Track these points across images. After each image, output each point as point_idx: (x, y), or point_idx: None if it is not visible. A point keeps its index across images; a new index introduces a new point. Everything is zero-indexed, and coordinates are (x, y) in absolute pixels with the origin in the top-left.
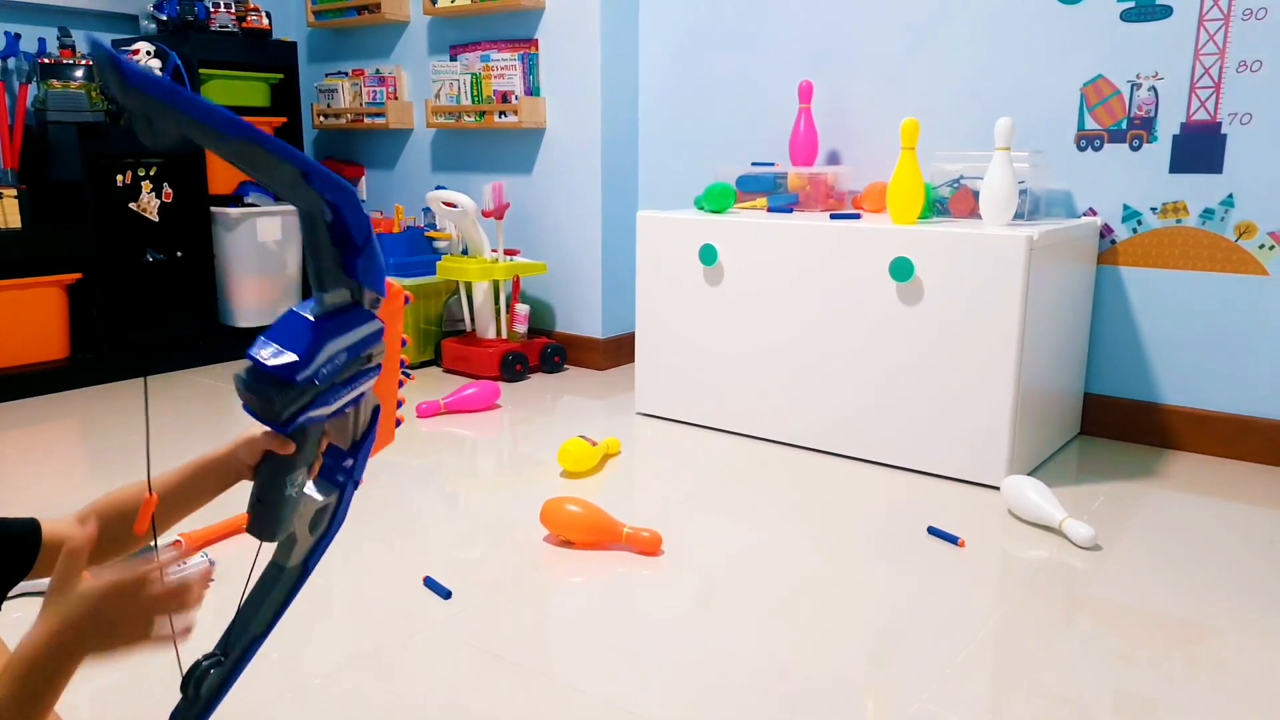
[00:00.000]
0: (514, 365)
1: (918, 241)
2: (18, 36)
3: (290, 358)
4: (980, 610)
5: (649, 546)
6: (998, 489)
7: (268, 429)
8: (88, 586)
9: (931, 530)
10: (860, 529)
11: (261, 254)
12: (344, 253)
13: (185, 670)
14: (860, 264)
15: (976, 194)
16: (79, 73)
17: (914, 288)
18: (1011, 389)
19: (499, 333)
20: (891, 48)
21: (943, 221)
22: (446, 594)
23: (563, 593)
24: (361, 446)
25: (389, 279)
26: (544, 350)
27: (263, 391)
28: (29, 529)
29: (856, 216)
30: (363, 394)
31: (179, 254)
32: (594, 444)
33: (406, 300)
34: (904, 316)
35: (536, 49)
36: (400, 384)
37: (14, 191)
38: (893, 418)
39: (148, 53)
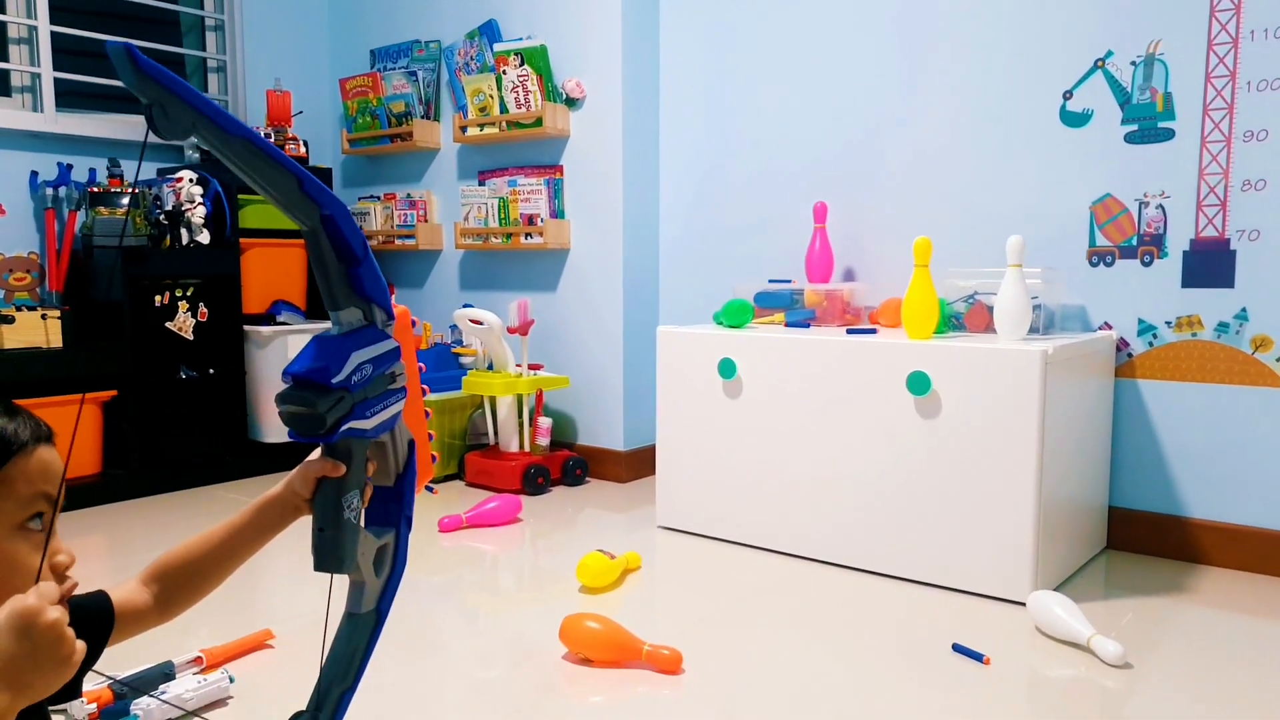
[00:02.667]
0: (536, 478)
1: (934, 356)
2: (70, 167)
3: (323, 365)
4: None
5: (669, 665)
6: (1023, 605)
7: (314, 459)
8: None
9: (956, 647)
10: (884, 646)
11: None
12: (347, 265)
13: None
14: (877, 378)
15: (991, 309)
16: (125, 200)
17: (931, 401)
18: (1033, 502)
19: (522, 445)
20: (903, 169)
21: (958, 336)
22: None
23: (582, 713)
24: (405, 483)
25: (395, 307)
26: (566, 463)
27: (304, 399)
28: (103, 603)
29: (873, 331)
30: (396, 416)
31: (211, 371)
32: (613, 558)
33: (414, 323)
34: (922, 430)
35: (561, 174)
36: (427, 414)
37: (58, 313)
38: (914, 532)
39: (190, 180)
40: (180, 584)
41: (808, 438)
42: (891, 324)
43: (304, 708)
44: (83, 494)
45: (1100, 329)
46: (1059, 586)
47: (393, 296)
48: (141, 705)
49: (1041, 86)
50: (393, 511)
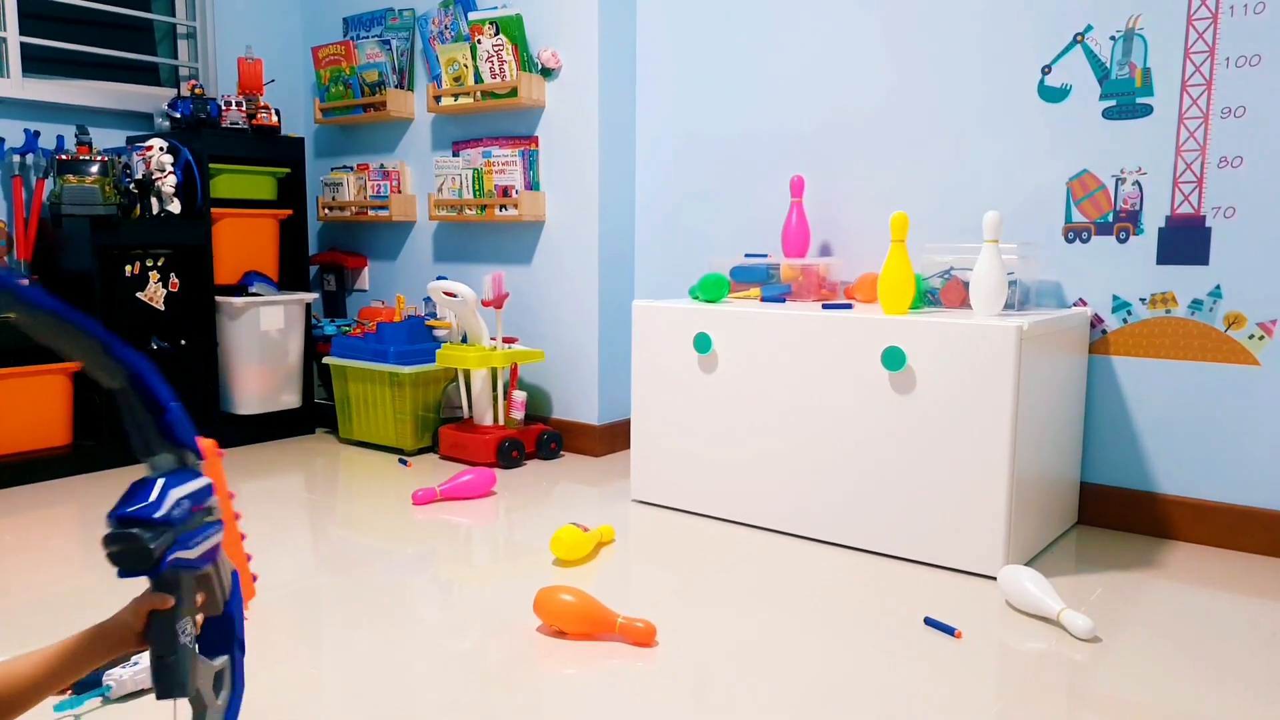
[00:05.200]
0: (510, 452)
1: (909, 331)
2: (37, 134)
3: (144, 504)
4: (980, 703)
5: (643, 637)
6: (994, 579)
7: (144, 595)
8: None
9: (928, 621)
10: (856, 619)
11: (264, 342)
12: (156, 415)
13: None
14: (853, 353)
15: (967, 285)
16: (94, 168)
17: (906, 377)
18: (1006, 478)
19: (496, 419)
20: (881, 143)
21: (934, 312)
22: (950, 630)
23: (556, 685)
24: (234, 608)
25: (199, 439)
26: (540, 436)
27: (130, 537)
28: None
29: (849, 306)
30: (217, 546)
31: (183, 342)
32: (586, 531)
33: (220, 454)
34: (897, 405)
35: (537, 145)
36: (243, 537)
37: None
38: (887, 506)
39: (161, 149)
40: (2, 704)
41: (782, 412)
42: (867, 299)
43: None
44: (53, 465)
45: (1075, 305)
46: (1030, 561)
47: (365, 269)
48: (114, 676)
49: (1020, 61)
50: (225, 637)
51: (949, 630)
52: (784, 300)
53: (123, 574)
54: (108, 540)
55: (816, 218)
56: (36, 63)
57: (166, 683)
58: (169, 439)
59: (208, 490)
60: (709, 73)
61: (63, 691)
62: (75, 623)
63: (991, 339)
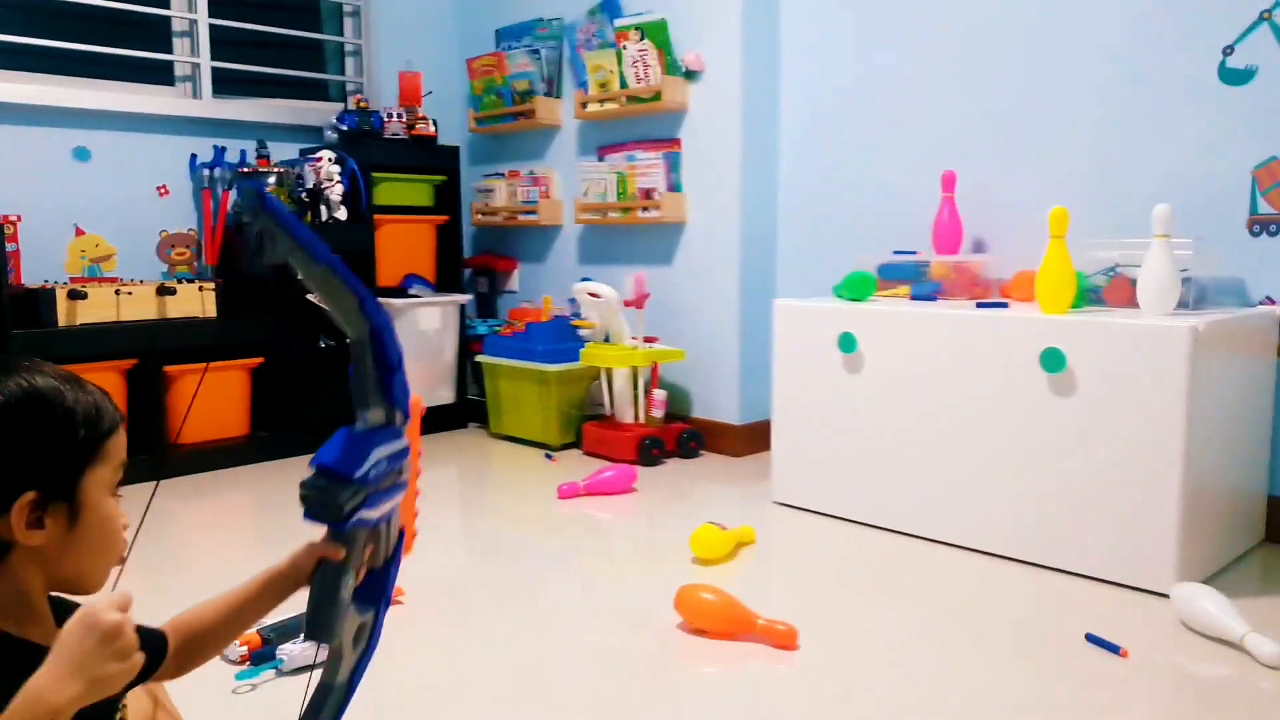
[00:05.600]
0: (651, 450)
1: (1070, 331)
2: (223, 149)
3: (349, 459)
4: None
5: (784, 640)
6: (1166, 596)
7: (320, 541)
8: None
9: (1090, 638)
10: (1010, 632)
11: (421, 340)
12: (383, 373)
13: None
14: (1008, 354)
15: (1134, 282)
16: (271, 179)
17: (1066, 379)
18: (1178, 489)
19: (637, 417)
20: (1039, 134)
21: (1097, 311)
22: (1115, 648)
23: (696, 682)
24: (392, 566)
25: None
26: (680, 435)
27: (328, 489)
28: (159, 640)
29: (1004, 305)
30: (396, 507)
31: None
32: (725, 530)
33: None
34: (1056, 409)
35: (679, 147)
36: (417, 494)
37: (213, 285)
38: (1045, 515)
39: (329, 159)
40: (194, 645)
41: (932, 415)
42: (1024, 298)
43: None
44: (233, 454)
45: (1261, 304)
46: (1208, 579)
47: (514, 272)
48: (286, 650)
49: (1198, 42)
50: (376, 593)
51: (1114, 648)
52: (934, 299)
53: (308, 518)
54: (304, 485)
55: (969, 213)
56: (223, 84)
57: (318, 627)
58: (387, 397)
59: (404, 453)
60: (855, 66)
61: (242, 661)
62: None
63: (1162, 340)
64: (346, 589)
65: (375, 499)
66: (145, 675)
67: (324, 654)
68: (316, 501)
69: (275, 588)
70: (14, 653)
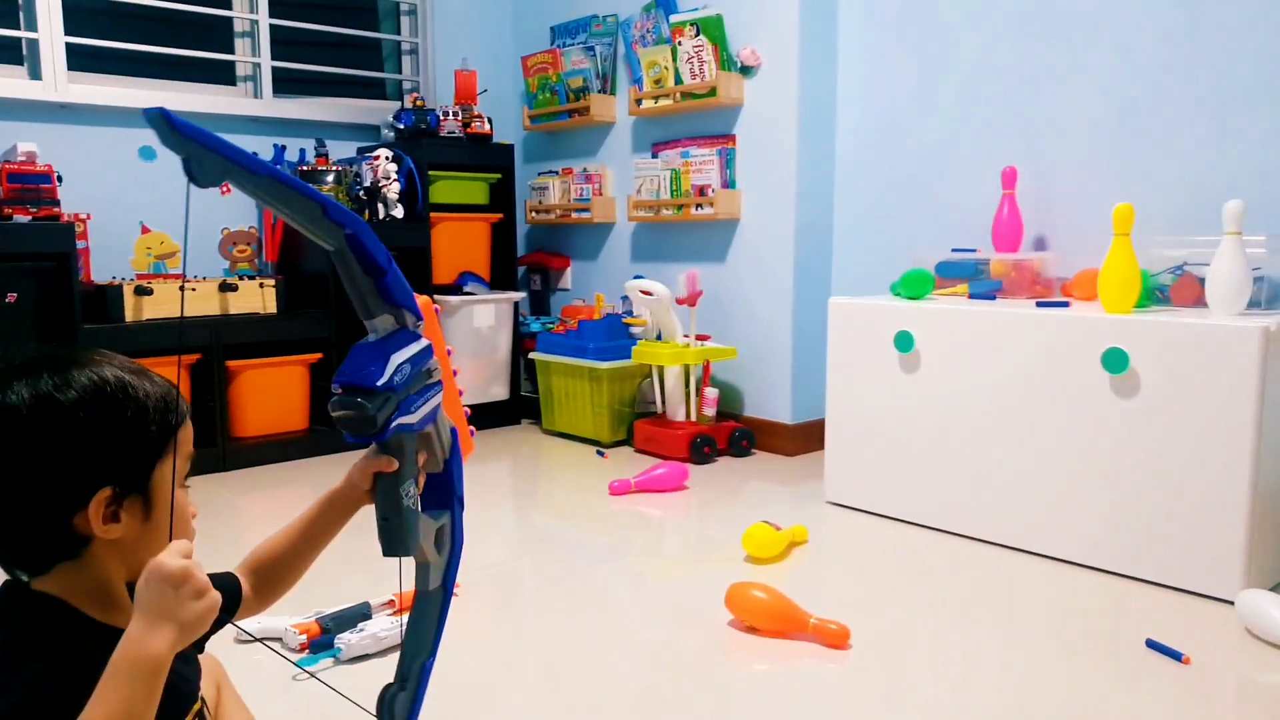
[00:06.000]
0: (702, 448)
1: (1134, 331)
2: (283, 148)
3: (368, 369)
4: None
5: (836, 639)
6: (1231, 603)
7: (371, 456)
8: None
9: (1150, 643)
10: (1068, 637)
11: (476, 337)
12: (374, 278)
13: (376, 701)
14: (1070, 354)
15: (1202, 281)
16: (330, 178)
17: (1129, 380)
18: (1247, 494)
19: (689, 415)
20: (1102, 127)
21: (1163, 310)
22: (1177, 655)
23: (747, 680)
24: (453, 466)
25: (418, 295)
26: (732, 434)
27: (354, 404)
28: (233, 584)
29: (1066, 304)
30: (437, 408)
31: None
32: (779, 529)
33: (437, 310)
34: (1118, 411)
35: (734, 144)
36: (461, 393)
37: (273, 281)
38: (1105, 519)
39: (386, 158)
40: (271, 576)
41: (991, 416)
42: (1086, 296)
43: (392, 681)
44: (292, 447)
45: None
46: (1275, 587)
47: (568, 269)
48: (344, 639)
49: (1268, 30)
50: (445, 494)
51: (1175, 655)
52: (994, 297)
53: (349, 439)
54: (333, 405)
55: (1030, 210)
56: (283, 84)
57: (391, 541)
58: (388, 301)
59: (427, 352)
60: (913, 60)
61: (301, 650)
62: (305, 588)
63: (1231, 340)
64: (409, 497)
65: (409, 404)
66: (229, 612)
67: (381, 631)
68: (349, 419)
69: (336, 509)
70: (103, 636)
